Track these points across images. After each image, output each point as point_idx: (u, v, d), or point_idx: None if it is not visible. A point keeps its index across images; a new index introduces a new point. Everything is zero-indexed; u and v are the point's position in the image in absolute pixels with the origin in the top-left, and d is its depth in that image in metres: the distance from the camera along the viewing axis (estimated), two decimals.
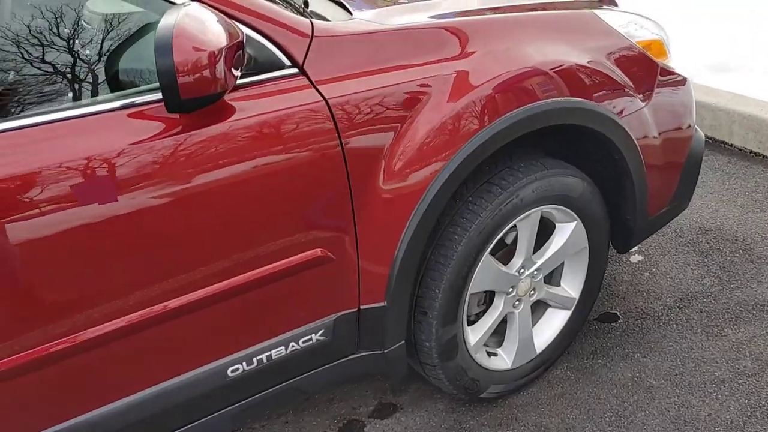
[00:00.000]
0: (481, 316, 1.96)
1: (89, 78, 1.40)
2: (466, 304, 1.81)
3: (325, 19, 1.67)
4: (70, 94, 1.38)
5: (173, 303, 1.40)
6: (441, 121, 1.59)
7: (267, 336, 1.56)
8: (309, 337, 1.61)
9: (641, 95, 1.94)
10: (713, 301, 2.41)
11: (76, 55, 1.39)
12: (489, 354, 2.01)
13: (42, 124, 1.27)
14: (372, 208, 1.56)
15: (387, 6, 2.01)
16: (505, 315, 1.96)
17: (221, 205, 1.40)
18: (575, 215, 1.95)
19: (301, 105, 1.45)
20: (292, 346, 1.59)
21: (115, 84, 1.40)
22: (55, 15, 1.37)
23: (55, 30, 1.37)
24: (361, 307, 1.66)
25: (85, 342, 1.34)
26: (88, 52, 1.40)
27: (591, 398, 2.06)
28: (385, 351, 1.73)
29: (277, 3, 1.55)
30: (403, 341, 1.76)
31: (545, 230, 1.99)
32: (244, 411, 1.61)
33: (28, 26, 1.35)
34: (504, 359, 2.02)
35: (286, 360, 1.60)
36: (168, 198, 1.34)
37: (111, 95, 1.37)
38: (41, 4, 1.37)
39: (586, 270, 2.08)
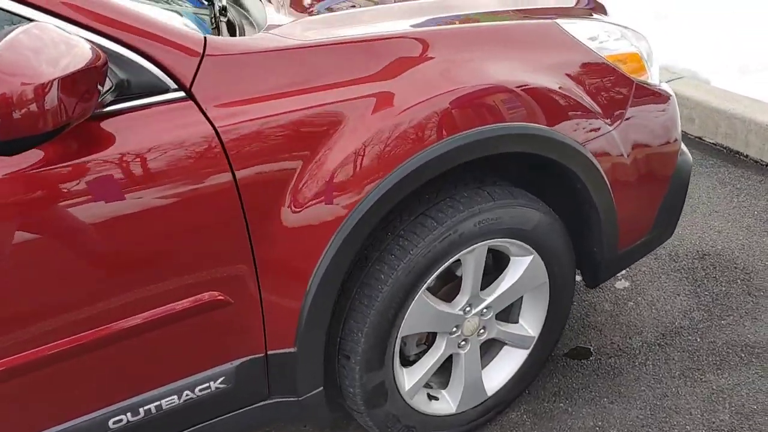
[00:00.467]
0: (422, 356, 1.78)
1: None
2: (396, 347, 1.63)
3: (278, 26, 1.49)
4: None
5: (42, 351, 1.26)
6: (357, 148, 1.40)
7: (153, 385, 1.40)
8: (206, 384, 1.45)
9: (609, 118, 1.72)
10: (699, 339, 2.18)
11: None
12: (431, 397, 1.83)
13: None
14: (276, 246, 1.39)
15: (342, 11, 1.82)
16: (450, 354, 1.78)
17: (93, 244, 1.25)
18: (531, 249, 1.75)
19: (186, 133, 1.27)
20: (187, 395, 1.44)
21: None
22: None
23: None
24: (269, 352, 1.49)
25: None
26: None
27: None
28: (300, 399, 1.57)
29: (173, 11, 1.38)
30: (321, 388, 1.59)
31: (502, 263, 1.80)
32: None
33: None
34: (448, 403, 1.83)
35: (181, 410, 1.44)
36: (34, 236, 1.19)
37: None
38: None
39: (546, 307, 1.88)
